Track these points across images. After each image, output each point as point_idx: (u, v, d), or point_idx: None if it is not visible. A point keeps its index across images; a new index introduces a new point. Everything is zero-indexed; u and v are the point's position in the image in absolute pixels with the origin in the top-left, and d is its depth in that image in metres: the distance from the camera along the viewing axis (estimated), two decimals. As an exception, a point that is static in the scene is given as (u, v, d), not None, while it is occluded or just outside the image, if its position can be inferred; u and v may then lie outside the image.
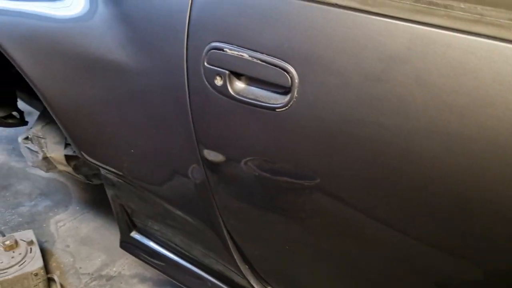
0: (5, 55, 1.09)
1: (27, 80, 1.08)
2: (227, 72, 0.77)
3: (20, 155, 2.37)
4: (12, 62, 1.08)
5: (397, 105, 0.61)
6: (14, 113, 1.79)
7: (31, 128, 1.43)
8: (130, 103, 0.96)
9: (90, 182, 1.54)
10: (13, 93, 1.76)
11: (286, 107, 0.72)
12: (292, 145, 0.75)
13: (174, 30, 0.83)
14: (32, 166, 1.46)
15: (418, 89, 0.60)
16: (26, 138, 1.39)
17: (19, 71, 1.08)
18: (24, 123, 1.81)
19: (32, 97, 1.80)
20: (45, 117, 1.41)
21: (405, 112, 0.61)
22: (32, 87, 1.08)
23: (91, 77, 0.98)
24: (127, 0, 0.91)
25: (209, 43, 0.79)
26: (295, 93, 0.70)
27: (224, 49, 0.77)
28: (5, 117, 1.76)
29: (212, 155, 0.88)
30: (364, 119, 0.65)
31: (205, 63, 0.80)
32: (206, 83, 0.81)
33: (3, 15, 1.09)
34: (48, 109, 1.08)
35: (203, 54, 0.80)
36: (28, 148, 1.40)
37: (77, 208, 2.01)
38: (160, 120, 0.93)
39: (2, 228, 1.84)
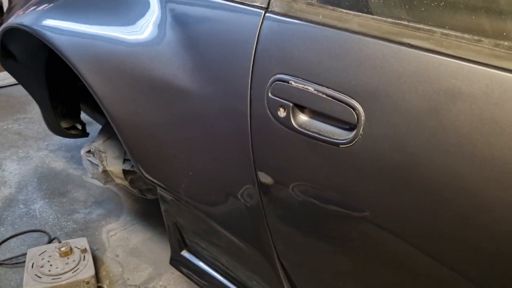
0: (76, 72, 1.15)
1: (95, 97, 1.14)
2: (291, 104, 0.78)
3: (78, 163, 2.50)
4: (82, 80, 1.14)
5: (470, 152, 0.59)
6: (77, 124, 1.89)
7: (93, 141, 1.50)
8: (192, 126, 0.98)
9: (144, 197, 1.58)
10: (77, 105, 1.86)
11: (350, 144, 0.71)
12: (352, 181, 0.74)
13: (240, 59, 0.85)
14: (92, 178, 1.53)
15: (495, 137, 0.57)
16: (88, 151, 1.47)
17: (88, 88, 1.14)
18: (86, 134, 1.90)
19: (95, 110, 1.90)
20: (107, 132, 1.48)
21: (478, 160, 0.59)
22: (99, 103, 1.14)
23: (156, 99, 1.02)
24: (194, 28, 0.94)
25: (274, 75, 0.80)
26: (361, 130, 0.69)
27: (289, 82, 0.77)
28: (68, 128, 1.85)
29: (269, 181, 0.88)
30: (433, 163, 0.63)
31: (269, 94, 0.81)
32: (269, 113, 0.81)
33: (77, 36, 1.16)
34: (113, 126, 1.13)
35: (268, 84, 0.81)
36: (90, 161, 1.47)
37: (128, 218, 2.08)
38: (219, 144, 0.95)
39: (58, 233, 1.93)
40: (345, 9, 0.73)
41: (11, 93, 3.34)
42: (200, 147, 0.99)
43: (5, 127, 2.83)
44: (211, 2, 0.92)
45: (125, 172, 1.42)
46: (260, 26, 0.82)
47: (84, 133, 1.89)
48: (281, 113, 0.79)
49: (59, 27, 1.19)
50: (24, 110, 3.07)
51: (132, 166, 1.41)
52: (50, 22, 1.21)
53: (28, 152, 2.57)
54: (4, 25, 1.34)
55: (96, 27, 1.12)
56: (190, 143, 1.00)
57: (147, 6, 1.05)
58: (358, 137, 0.70)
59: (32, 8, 1.31)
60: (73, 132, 1.84)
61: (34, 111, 3.02)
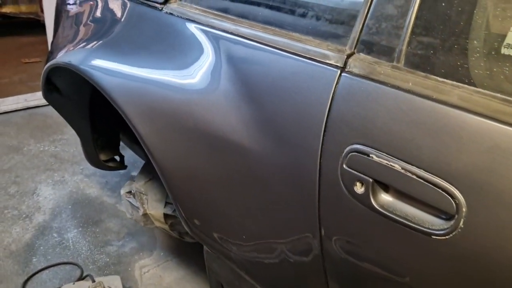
0: (123, 116, 1.09)
1: (142, 144, 1.07)
2: (370, 180, 0.68)
3: (112, 189, 2.45)
4: (129, 124, 1.08)
5: None
6: (116, 156, 1.84)
7: (133, 181, 1.44)
8: (249, 186, 0.90)
9: (182, 239, 1.51)
10: (117, 136, 1.81)
11: (446, 236, 0.61)
12: (443, 274, 0.64)
13: (310, 121, 0.77)
14: (131, 219, 1.47)
15: None
16: (129, 192, 1.40)
17: (135, 133, 1.08)
18: (124, 167, 1.85)
19: (134, 141, 1.84)
20: (148, 173, 1.41)
21: None
22: (146, 151, 1.07)
23: (210, 152, 0.94)
24: (257, 80, 0.87)
25: (350, 144, 0.71)
26: (461, 223, 0.59)
27: (370, 155, 0.68)
28: (106, 161, 1.80)
29: (336, 254, 0.79)
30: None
31: (344, 165, 0.72)
32: (343, 186, 0.72)
33: (126, 79, 1.10)
34: (159, 175, 1.06)
35: (342, 154, 0.72)
36: (130, 202, 1.40)
37: (162, 254, 2.00)
38: (280, 208, 0.86)
39: (90, 267, 1.87)
40: (441, 77, 0.64)
41: (48, 113, 3.37)
42: (257, 208, 0.90)
43: (41, 148, 2.84)
44: (278, 54, 0.84)
45: (166, 216, 1.35)
46: (335, 88, 0.74)
47: (122, 166, 1.84)
48: (358, 188, 0.70)
49: (108, 68, 1.14)
50: (60, 131, 3.07)
51: (174, 211, 1.34)
52: (99, 63, 1.17)
53: (63, 176, 2.55)
54: (51, 62, 1.30)
55: (146, 71, 1.06)
56: (246, 203, 0.92)
57: (201, 51, 0.99)
58: (456, 230, 0.60)
59: (81, 45, 1.27)
60: (111, 164, 1.79)
61: (71, 132, 3.01)
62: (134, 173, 2.57)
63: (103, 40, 1.23)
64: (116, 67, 1.13)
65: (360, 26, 0.75)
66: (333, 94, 0.74)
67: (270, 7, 0.90)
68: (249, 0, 0.96)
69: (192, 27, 1.03)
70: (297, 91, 0.79)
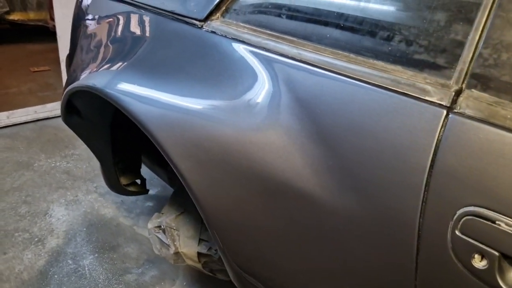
0: (160, 149, 0.95)
1: (179, 176, 0.93)
2: (497, 254, 0.54)
3: (128, 210, 2.31)
4: (165, 156, 0.94)
5: None
6: (137, 180, 1.70)
7: (162, 213, 1.30)
8: (317, 241, 0.75)
9: (214, 276, 1.36)
10: (139, 159, 1.68)
11: None
12: None
13: (405, 174, 0.62)
14: (159, 255, 1.33)
15: None
16: (158, 226, 1.26)
17: (174, 170, 0.94)
18: (146, 191, 1.71)
19: (155, 163, 1.71)
20: (179, 204, 1.27)
21: None
22: (184, 185, 0.93)
23: (268, 199, 0.80)
24: (330, 118, 0.72)
25: (465, 206, 0.56)
26: None
27: (496, 222, 0.53)
28: (127, 185, 1.67)
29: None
30: None
31: (456, 231, 0.57)
32: (454, 256, 0.58)
33: (162, 108, 0.96)
34: (203, 217, 0.92)
35: (454, 217, 0.57)
36: (158, 237, 1.26)
37: (184, 283, 1.86)
38: (359, 272, 0.71)
39: (109, 299, 1.73)
40: None
41: (58, 126, 3.24)
42: (329, 269, 0.75)
43: (53, 164, 2.70)
44: (357, 86, 0.70)
45: (199, 254, 1.21)
46: (440, 132, 0.59)
47: (144, 190, 1.70)
48: (477, 261, 0.56)
49: (140, 95, 1.00)
50: (72, 145, 2.94)
51: (209, 249, 1.20)
52: (129, 87, 1.03)
53: (76, 194, 2.41)
54: (73, 86, 1.17)
55: (188, 99, 0.92)
56: (311, 259, 0.77)
57: (254, 77, 0.85)
58: None
59: (105, 66, 1.14)
60: (132, 189, 1.65)
61: (83, 146, 2.88)
62: (152, 192, 2.43)
63: (132, 60, 1.10)
64: (150, 94, 0.99)
65: (471, 56, 0.60)
66: (438, 139, 0.59)
67: (342, 28, 0.76)
68: (314, 19, 0.81)
69: (241, 48, 0.89)
70: (386, 134, 0.65)
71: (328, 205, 0.72)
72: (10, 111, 3.16)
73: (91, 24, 1.42)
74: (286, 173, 0.76)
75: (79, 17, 1.53)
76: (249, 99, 0.84)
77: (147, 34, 1.13)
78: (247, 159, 0.81)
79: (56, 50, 3.17)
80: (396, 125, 0.64)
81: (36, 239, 2.04)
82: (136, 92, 1.01)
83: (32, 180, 2.51)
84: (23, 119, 3.20)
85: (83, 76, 1.17)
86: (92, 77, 1.13)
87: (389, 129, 0.65)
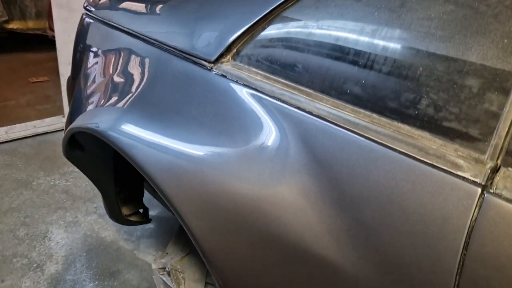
0: (163, 197, 0.91)
1: (186, 231, 0.89)
2: None
3: (129, 233, 2.27)
4: (173, 211, 0.90)
5: None
6: (140, 209, 1.66)
7: (166, 253, 1.25)
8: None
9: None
10: (140, 186, 1.63)
11: None
12: None
13: (434, 254, 0.58)
14: (163, 297, 1.28)
15: None
16: (162, 268, 1.22)
17: (179, 221, 0.90)
18: (148, 220, 1.67)
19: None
20: (184, 245, 1.23)
21: None
22: (192, 241, 0.89)
23: (280, 262, 0.76)
24: (351, 181, 0.68)
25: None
26: None
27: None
28: (129, 215, 1.62)
29: None
30: None
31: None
32: None
33: (165, 153, 0.92)
34: (212, 276, 0.88)
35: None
36: (163, 280, 1.22)
37: (187, 314, 1.81)
38: None
39: (110, 332, 1.68)
40: None
41: (57, 141, 3.20)
42: None
43: (52, 183, 2.66)
44: (382, 151, 0.65)
45: (206, 298, 1.17)
46: (475, 213, 0.55)
47: (146, 219, 1.65)
48: None
49: (145, 141, 0.95)
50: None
51: (215, 293, 1.15)
52: (133, 132, 0.98)
53: (76, 215, 2.37)
54: (75, 125, 1.12)
55: (195, 149, 0.88)
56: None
57: (268, 130, 0.81)
58: None
59: (109, 105, 1.09)
60: (134, 218, 1.61)
61: (82, 164, 2.83)
62: (152, 212, 2.38)
63: (136, 100, 1.05)
64: (157, 140, 0.94)
65: (506, 130, 0.56)
66: (472, 220, 0.55)
67: (364, 84, 0.72)
68: (333, 71, 0.77)
69: (253, 97, 0.85)
70: (415, 207, 0.61)
71: (349, 277, 0.67)
72: (9, 126, 3.11)
73: (93, 53, 1.37)
74: (304, 237, 0.72)
75: (80, 39, 1.49)
76: (262, 153, 0.79)
77: (153, 71, 1.09)
78: (262, 219, 0.77)
79: (55, 59, 3.13)
80: (426, 199, 0.60)
81: (35, 265, 1.99)
82: (142, 138, 0.96)
83: (31, 200, 2.46)
84: (22, 134, 3.15)
85: (85, 115, 1.12)
86: (94, 118, 1.08)
87: (418, 203, 0.60)
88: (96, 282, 1.93)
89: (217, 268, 0.82)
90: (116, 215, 1.55)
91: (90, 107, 1.15)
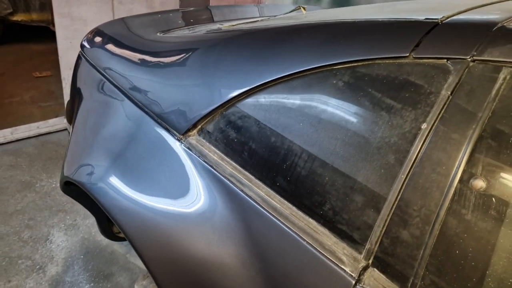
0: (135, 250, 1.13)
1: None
2: None
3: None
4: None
5: None
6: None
7: (148, 275, 1.49)
8: None
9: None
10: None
11: None
12: None
13: None
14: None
15: None
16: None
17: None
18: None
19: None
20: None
21: None
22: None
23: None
24: (274, 266, 0.90)
25: None
26: None
27: None
28: (119, 232, 1.85)
29: None
30: None
31: None
32: None
33: (138, 208, 1.13)
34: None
35: None
36: (143, 299, 1.45)
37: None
38: None
39: (102, 331, 1.93)
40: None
41: (59, 141, 3.42)
42: None
43: (53, 185, 2.89)
44: (298, 243, 0.87)
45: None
46: (349, 299, 0.77)
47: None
48: None
49: (124, 202, 1.17)
50: (72, 164, 3.11)
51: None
52: (113, 191, 1.20)
53: (75, 219, 2.61)
54: (67, 175, 1.34)
55: (154, 201, 1.10)
56: None
57: (220, 208, 1.02)
58: None
59: (94, 161, 1.30)
60: (122, 235, 1.83)
61: (82, 166, 3.06)
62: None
63: (118, 159, 1.26)
64: (133, 201, 1.16)
65: (376, 239, 0.77)
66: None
67: (288, 180, 0.93)
68: (268, 166, 0.97)
69: (209, 172, 1.06)
70: (310, 285, 0.83)
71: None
72: (14, 128, 3.33)
73: (84, 96, 1.57)
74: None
75: (76, 76, 1.69)
76: (212, 223, 1.01)
77: (133, 132, 1.29)
78: (209, 280, 0.99)
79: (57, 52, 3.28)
80: (317, 282, 0.82)
81: (38, 267, 2.24)
82: (120, 199, 1.18)
83: (34, 203, 2.70)
84: (26, 134, 3.37)
85: (74, 165, 1.34)
86: (81, 172, 1.30)
87: (312, 283, 0.82)
88: (92, 284, 2.18)
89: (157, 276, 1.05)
90: (107, 233, 1.78)
91: (78, 159, 1.36)
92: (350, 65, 0.89)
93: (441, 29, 0.85)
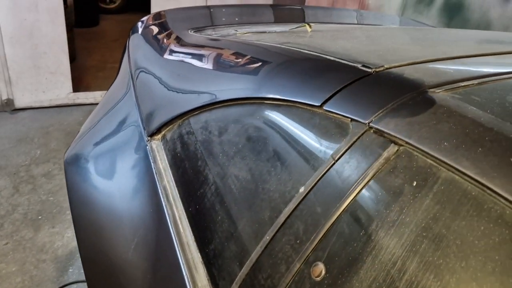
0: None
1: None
2: None
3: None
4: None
5: None
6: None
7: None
8: None
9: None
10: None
11: None
12: None
13: None
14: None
15: None
16: None
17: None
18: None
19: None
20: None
21: None
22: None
23: None
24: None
25: None
26: None
27: None
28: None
29: None
30: None
31: None
32: None
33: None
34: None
35: None
36: None
37: None
38: None
39: None
40: None
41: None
42: None
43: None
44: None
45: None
46: None
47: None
48: None
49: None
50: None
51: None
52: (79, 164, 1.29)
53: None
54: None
55: (103, 183, 1.16)
56: None
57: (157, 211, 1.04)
58: None
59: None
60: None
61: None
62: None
63: (106, 143, 1.35)
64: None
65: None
66: None
67: (196, 210, 0.91)
68: (188, 190, 0.96)
69: (151, 180, 1.08)
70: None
71: None
72: (105, 91, 3.70)
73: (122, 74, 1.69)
74: None
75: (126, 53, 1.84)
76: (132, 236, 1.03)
77: (125, 120, 1.37)
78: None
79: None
80: None
81: (79, 221, 2.50)
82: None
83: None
84: (113, 99, 3.72)
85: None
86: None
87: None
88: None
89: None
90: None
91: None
92: (269, 102, 0.83)
93: (366, 81, 0.74)
